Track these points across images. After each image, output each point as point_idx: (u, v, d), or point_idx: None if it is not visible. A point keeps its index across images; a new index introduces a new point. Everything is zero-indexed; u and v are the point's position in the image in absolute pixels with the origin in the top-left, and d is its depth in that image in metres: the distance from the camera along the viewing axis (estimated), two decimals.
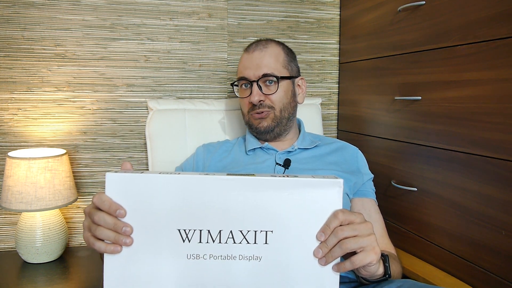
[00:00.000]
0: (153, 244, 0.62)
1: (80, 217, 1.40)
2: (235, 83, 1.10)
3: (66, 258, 1.27)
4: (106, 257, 0.62)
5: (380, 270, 0.70)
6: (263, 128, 1.05)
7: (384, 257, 0.73)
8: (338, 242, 0.62)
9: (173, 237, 0.62)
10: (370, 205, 1.01)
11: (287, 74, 1.06)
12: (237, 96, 1.11)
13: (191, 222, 0.62)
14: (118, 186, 0.62)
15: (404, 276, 1.00)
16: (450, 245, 1.00)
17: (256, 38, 1.46)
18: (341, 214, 0.62)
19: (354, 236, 0.62)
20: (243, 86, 1.08)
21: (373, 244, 0.63)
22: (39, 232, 1.20)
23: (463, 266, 0.96)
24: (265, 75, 1.03)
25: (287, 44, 1.13)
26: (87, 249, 1.35)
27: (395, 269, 0.85)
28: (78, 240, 1.40)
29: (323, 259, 0.62)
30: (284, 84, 1.05)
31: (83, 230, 0.65)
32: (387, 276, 0.72)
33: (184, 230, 0.62)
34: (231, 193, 0.62)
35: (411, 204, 1.13)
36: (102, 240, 0.62)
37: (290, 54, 1.10)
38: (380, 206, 1.06)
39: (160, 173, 0.63)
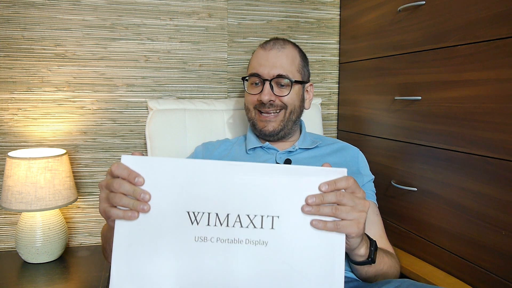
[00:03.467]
0: (162, 225, 0.63)
1: (80, 217, 1.40)
2: (246, 78, 1.07)
3: (66, 258, 1.27)
4: (116, 234, 0.63)
5: (362, 250, 0.75)
6: (268, 132, 1.04)
7: (371, 242, 0.78)
8: (334, 202, 0.65)
9: (182, 219, 0.64)
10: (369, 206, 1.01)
11: (300, 79, 1.05)
12: (245, 91, 1.08)
13: (200, 205, 0.64)
14: (132, 167, 0.64)
15: (404, 276, 1.01)
16: (450, 245, 1.00)
17: (256, 38, 1.48)
18: (351, 181, 0.66)
19: (350, 207, 0.65)
20: (254, 84, 1.05)
21: (360, 220, 0.66)
22: (39, 232, 1.20)
23: (463, 266, 0.96)
24: (279, 76, 1.01)
25: None
26: (87, 249, 1.35)
27: (387, 261, 0.86)
28: (78, 240, 1.41)
29: (310, 208, 0.64)
30: (296, 88, 1.04)
31: (99, 204, 0.67)
32: (369, 259, 0.77)
33: (193, 212, 0.64)
34: (239, 178, 0.64)
35: (411, 204, 1.13)
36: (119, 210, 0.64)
37: (305, 59, 1.10)
38: (380, 206, 1.06)
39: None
